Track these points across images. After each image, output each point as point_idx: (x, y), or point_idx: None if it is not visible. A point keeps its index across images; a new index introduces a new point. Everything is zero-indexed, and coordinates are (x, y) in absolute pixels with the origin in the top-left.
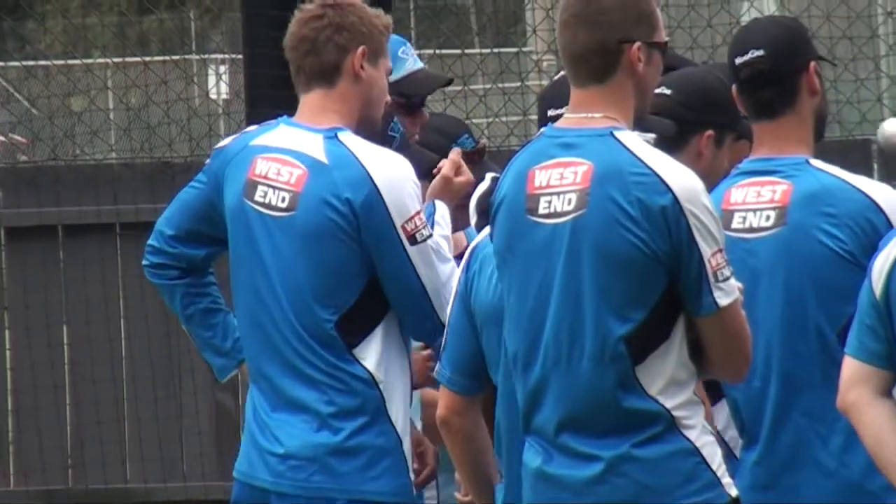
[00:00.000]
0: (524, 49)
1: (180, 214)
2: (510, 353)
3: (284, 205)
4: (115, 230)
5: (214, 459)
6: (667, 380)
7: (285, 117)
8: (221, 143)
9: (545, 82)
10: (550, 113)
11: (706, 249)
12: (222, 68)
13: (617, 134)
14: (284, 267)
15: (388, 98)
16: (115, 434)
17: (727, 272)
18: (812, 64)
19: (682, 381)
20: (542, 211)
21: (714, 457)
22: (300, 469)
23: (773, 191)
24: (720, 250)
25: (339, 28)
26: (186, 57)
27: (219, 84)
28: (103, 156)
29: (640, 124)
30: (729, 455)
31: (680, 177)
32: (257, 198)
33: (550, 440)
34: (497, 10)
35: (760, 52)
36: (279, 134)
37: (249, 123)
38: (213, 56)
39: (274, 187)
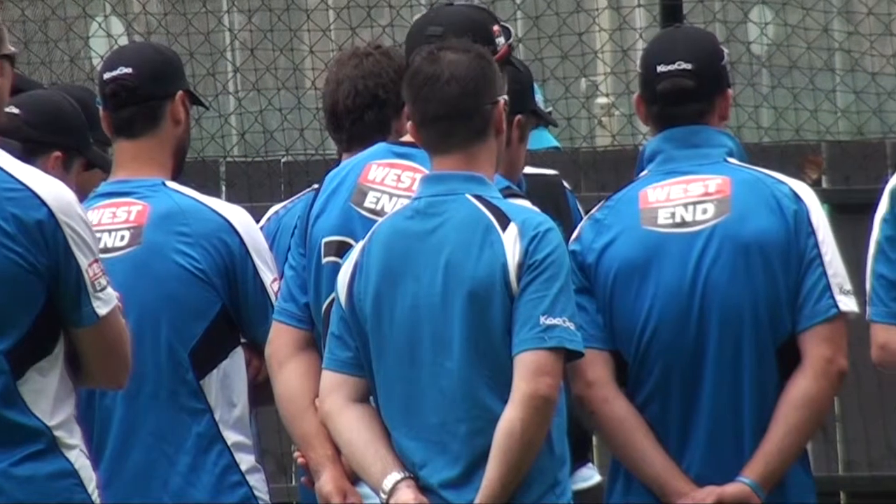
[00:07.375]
0: None
1: None
2: None
3: None
4: None
5: None
6: (50, 397)
7: None
8: None
9: None
10: None
11: (83, 260)
12: None
13: None
14: None
15: None
16: None
17: (104, 282)
18: (181, 94)
19: (64, 398)
20: None
21: (90, 480)
22: None
23: (129, 211)
24: (96, 260)
25: None
26: None
27: None
28: None
29: None
30: None
31: (53, 190)
32: None
33: None
34: None
35: (129, 70)
36: None
37: None
38: None
39: None
